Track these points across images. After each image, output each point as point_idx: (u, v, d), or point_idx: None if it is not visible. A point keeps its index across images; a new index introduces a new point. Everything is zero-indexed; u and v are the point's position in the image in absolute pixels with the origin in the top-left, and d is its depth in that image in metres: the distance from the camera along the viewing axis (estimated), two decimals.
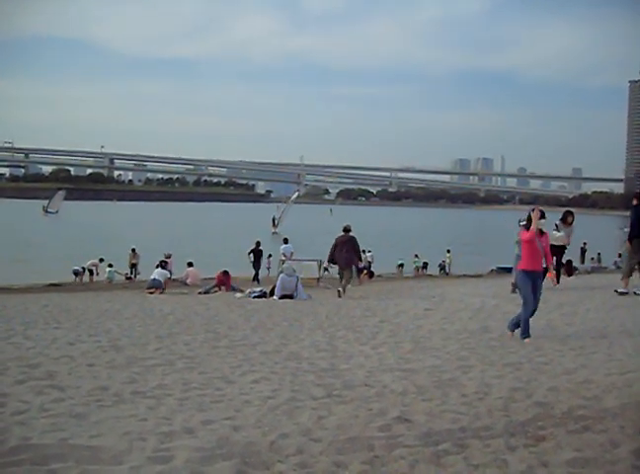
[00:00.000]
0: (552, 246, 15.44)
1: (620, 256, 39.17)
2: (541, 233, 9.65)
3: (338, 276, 18.68)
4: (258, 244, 27.69)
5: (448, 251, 37.06)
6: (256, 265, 26.81)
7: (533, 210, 9.56)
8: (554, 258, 15.62)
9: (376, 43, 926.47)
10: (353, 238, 18.06)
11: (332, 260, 18.46)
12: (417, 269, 35.90)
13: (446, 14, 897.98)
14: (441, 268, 35.98)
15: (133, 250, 30.76)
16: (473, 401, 5.91)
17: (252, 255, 27.20)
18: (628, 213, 16.25)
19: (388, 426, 5.11)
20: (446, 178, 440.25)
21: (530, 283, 9.40)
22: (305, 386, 6.53)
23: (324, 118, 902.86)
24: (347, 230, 18.29)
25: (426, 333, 9.93)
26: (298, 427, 5.13)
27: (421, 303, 13.87)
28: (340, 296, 16.92)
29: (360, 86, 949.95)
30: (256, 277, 26.06)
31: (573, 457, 4.40)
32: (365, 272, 25.10)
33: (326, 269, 32.28)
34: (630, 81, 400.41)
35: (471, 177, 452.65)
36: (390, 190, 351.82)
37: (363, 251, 32.26)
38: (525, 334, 9.18)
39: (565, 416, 5.43)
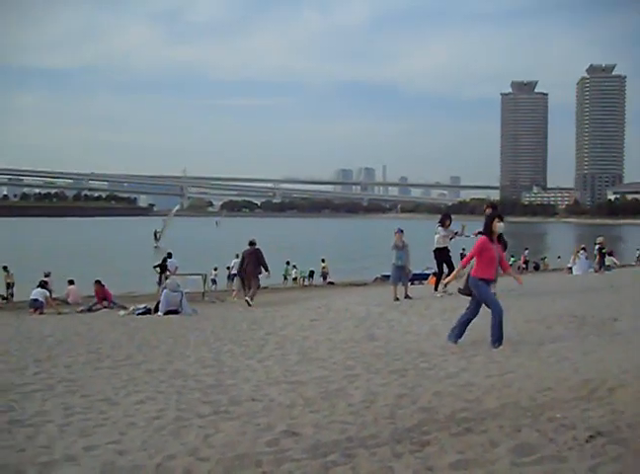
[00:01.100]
0: (437, 249, 15.99)
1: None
2: (499, 241, 9.56)
3: (244, 286, 19.92)
4: (164, 259, 27.14)
5: (323, 260, 37.35)
6: (163, 280, 26.16)
7: (492, 219, 9.39)
8: (441, 264, 16.17)
9: (260, 55, 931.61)
10: (258, 250, 19.43)
11: (240, 271, 20.08)
12: (302, 278, 36.10)
13: (329, 26, 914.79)
14: (322, 277, 36.29)
15: (5, 268, 29.27)
16: (360, 410, 5.97)
17: (159, 269, 26.57)
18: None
19: (276, 440, 5.09)
20: (330, 188, 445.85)
21: (487, 286, 9.27)
22: (191, 404, 6.43)
23: (207, 130, 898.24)
24: (252, 244, 19.57)
25: (312, 344, 9.98)
26: (185, 447, 5.04)
27: (307, 314, 13.94)
28: (250, 305, 17.81)
29: (244, 97, 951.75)
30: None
31: (456, 460, 4.52)
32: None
33: (214, 281, 32.04)
34: (502, 93, 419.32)
35: (354, 186, 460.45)
36: (274, 201, 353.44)
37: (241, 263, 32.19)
38: (499, 341, 8.94)
39: (448, 419, 5.57)
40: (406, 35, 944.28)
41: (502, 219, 9.49)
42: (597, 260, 28.33)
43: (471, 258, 9.37)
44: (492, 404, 6.01)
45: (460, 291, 9.94)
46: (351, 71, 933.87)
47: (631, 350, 8.29)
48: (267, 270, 19.63)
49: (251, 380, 7.50)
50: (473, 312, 9.31)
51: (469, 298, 9.67)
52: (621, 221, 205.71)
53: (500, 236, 15.15)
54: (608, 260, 28.98)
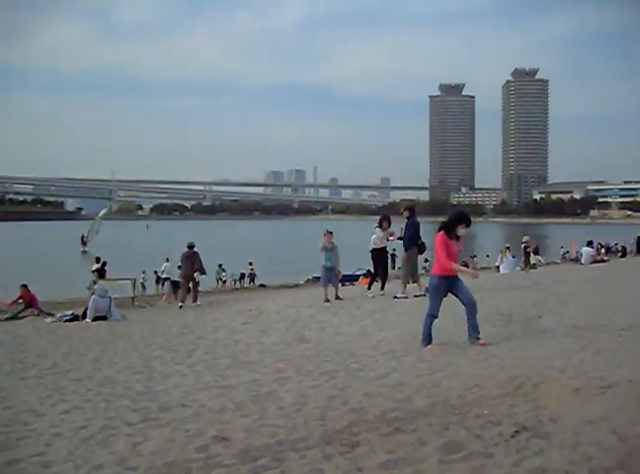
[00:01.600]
0: (374, 250, 16.10)
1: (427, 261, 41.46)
2: (457, 238, 9.29)
3: (180, 287, 20.85)
4: (104, 263, 26.53)
5: (250, 263, 37.19)
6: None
7: (461, 221, 9.16)
8: (378, 265, 16.31)
9: (193, 55, 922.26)
10: (195, 253, 20.13)
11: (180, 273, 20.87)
12: (233, 281, 35.87)
13: (263, 27, 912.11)
14: (251, 279, 36.12)
15: None
16: (291, 413, 5.97)
17: (96, 274, 25.88)
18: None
19: (206, 446, 5.05)
20: (261, 190, 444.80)
21: (444, 290, 9.13)
22: (120, 412, 6.32)
23: (137, 132, 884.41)
24: (191, 246, 20.27)
25: (243, 347, 9.94)
26: (113, 456, 4.95)
27: (238, 317, 13.87)
28: (198, 305, 19.06)
29: (175, 98, 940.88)
30: None
31: (385, 460, 4.56)
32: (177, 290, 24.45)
33: (143, 285, 31.53)
34: (430, 96, 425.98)
35: (285, 188, 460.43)
36: (205, 203, 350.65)
37: (178, 266, 31.81)
38: (428, 340, 9.04)
39: (378, 419, 5.62)
40: (339, 36, 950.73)
41: (469, 226, 9.26)
42: (522, 258, 29.02)
43: (444, 255, 8.98)
44: (421, 403, 6.09)
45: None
46: (283, 73, 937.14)
47: (555, 346, 8.52)
48: (203, 272, 20.32)
49: (181, 386, 7.42)
50: (465, 301, 9.13)
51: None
52: (546, 220, 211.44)
53: (420, 238, 15.43)
54: (534, 258, 29.70)
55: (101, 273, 25.83)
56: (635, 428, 4.96)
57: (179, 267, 20.79)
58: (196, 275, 19.76)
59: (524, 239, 29.68)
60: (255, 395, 6.73)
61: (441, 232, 9.12)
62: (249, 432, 5.41)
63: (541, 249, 45.22)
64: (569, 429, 5.06)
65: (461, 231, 9.15)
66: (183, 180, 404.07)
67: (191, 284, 20.06)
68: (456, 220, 9.22)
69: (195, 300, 19.71)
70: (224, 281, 35.49)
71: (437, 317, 9.08)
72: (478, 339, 8.94)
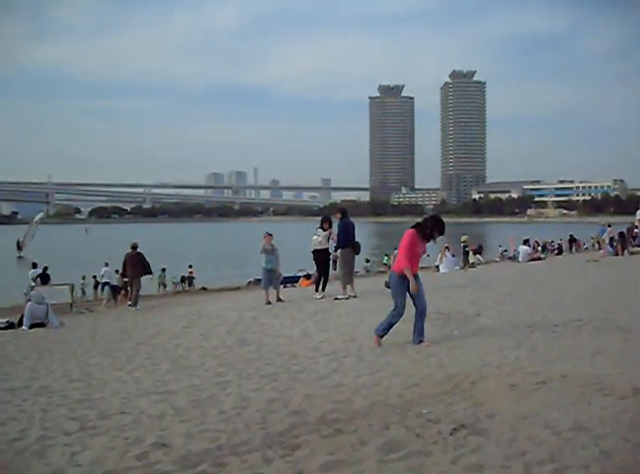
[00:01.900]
0: (316, 251, 16.14)
1: (368, 261, 41.84)
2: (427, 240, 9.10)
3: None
4: (45, 268, 25.88)
5: (190, 266, 36.89)
6: None
7: (440, 230, 8.99)
8: (321, 266, 16.36)
9: (129, 56, 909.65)
10: (139, 254, 20.12)
11: (123, 274, 20.76)
12: (174, 284, 35.51)
13: (200, 28, 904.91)
14: (189, 283, 35.81)
15: None
16: (231, 417, 5.95)
17: (39, 280, 25.35)
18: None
19: (145, 453, 5.00)
20: (202, 192, 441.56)
21: (406, 287, 8.91)
22: (57, 421, 6.19)
23: (73, 134, 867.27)
24: (134, 247, 20.19)
25: (183, 352, 9.84)
26: (49, 467, 4.86)
27: (179, 321, 13.74)
28: (137, 308, 19.16)
29: (113, 99, 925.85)
30: None
31: (325, 461, 4.59)
32: (124, 292, 24.12)
33: (82, 290, 30.98)
34: (370, 97, 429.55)
35: (226, 190, 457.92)
36: (145, 206, 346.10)
37: (117, 271, 31.34)
38: (380, 331, 9.02)
39: (319, 421, 5.64)
40: (277, 37, 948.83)
41: (442, 234, 9.14)
42: (462, 258, 29.48)
43: (406, 253, 8.85)
44: (362, 403, 6.14)
45: (387, 285, 9.63)
46: (222, 73, 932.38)
47: (492, 343, 8.68)
48: (150, 272, 20.66)
49: (120, 393, 7.31)
50: (418, 305, 8.98)
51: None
52: (485, 219, 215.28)
53: (354, 238, 15.55)
54: (473, 257, 30.17)
55: (43, 278, 25.38)
56: (568, 421, 5.10)
57: (117, 271, 20.67)
58: (149, 277, 20.30)
59: (463, 238, 30.15)
60: (195, 400, 6.68)
61: (413, 231, 8.93)
62: (189, 437, 5.37)
63: (483, 248, 45.94)
64: (505, 425, 5.17)
65: (436, 238, 9.09)
66: (122, 183, 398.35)
67: (133, 287, 19.99)
68: (436, 226, 9.02)
69: (134, 304, 19.53)
70: (165, 286, 35.10)
71: (401, 315, 8.93)
72: (421, 342, 8.95)
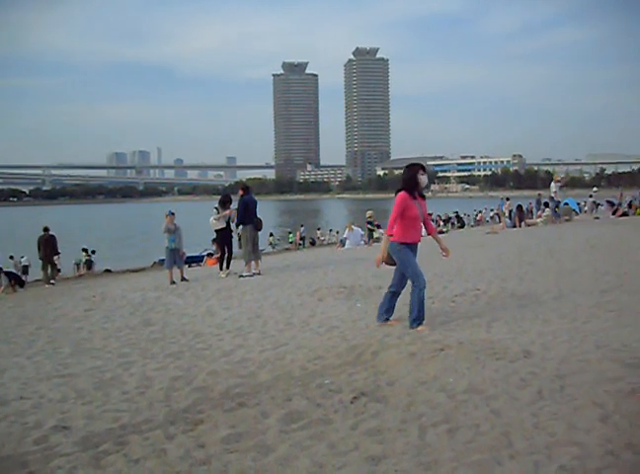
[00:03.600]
0: (218, 230, 16.07)
1: (272, 234, 41.94)
2: (422, 197, 8.19)
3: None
4: None
5: (84, 249, 35.59)
6: None
7: (416, 169, 8.09)
8: (223, 245, 16.30)
9: (28, 32, 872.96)
10: (52, 236, 21.22)
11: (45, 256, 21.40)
12: (77, 266, 34.45)
13: (101, 4, 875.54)
14: (88, 266, 34.82)
15: None
16: (134, 396, 5.91)
17: None
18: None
19: (45, 437, 4.91)
20: (104, 173, 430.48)
21: (414, 256, 8.01)
22: None
23: None
24: (46, 229, 21.22)
25: (86, 334, 9.65)
26: None
27: (81, 304, 13.43)
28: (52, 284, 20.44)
29: (9, 78, 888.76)
30: None
31: (227, 434, 4.64)
32: (13, 282, 23.10)
33: None
34: (274, 74, 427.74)
35: (129, 170, 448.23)
36: (44, 188, 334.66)
37: (11, 256, 30.28)
38: (419, 321, 7.88)
39: (223, 396, 5.68)
40: (182, 15, 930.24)
41: (425, 171, 8.19)
42: (367, 232, 29.90)
43: (395, 220, 7.86)
44: (265, 377, 6.21)
45: (385, 262, 8.46)
46: (124, 51, 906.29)
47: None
48: (57, 254, 22.09)
49: (19, 378, 7.12)
50: (399, 284, 8.19)
51: (392, 269, 8.31)
52: (390, 195, 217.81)
53: (255, 215, 15.57)
54: (377, 232, 30.61)
55: None
56: (463, 384, 5.32)
57: (11, 257, 20.91)
58: (56, 258, 21.45)
59: (368, 214, 30.55)
60: (98, 382, 6.59)
61: (402, 191, 7.95)
62: (91, 419, 5.31)
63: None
64: (404, 390, 5.35)
65: (422, 178, 8.03)
66: (19, 164, 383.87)
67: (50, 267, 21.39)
68: (412, 171, 8.09)
69: (52, 279, 21.39)
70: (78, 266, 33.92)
71: (424, 284, 7.90)
72: (387, 320, 8.33)
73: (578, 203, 42.24)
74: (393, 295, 8.30)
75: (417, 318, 7.87)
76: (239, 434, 4.64)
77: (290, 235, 44.34)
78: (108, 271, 32.53)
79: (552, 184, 30.30)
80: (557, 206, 30.47)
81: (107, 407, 5.64)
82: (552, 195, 29.65)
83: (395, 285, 8.25)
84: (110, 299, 13.54)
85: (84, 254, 34.63)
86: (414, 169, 8.10)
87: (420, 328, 7.78)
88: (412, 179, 8.00)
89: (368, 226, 29.76)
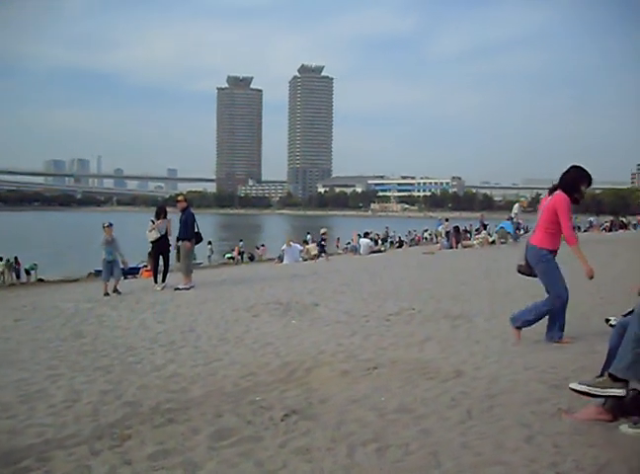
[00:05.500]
0: (154, 241, 15.91)
1: (210, 243, 41.67)
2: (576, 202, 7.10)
3: None
4: None
5: (16, 258, 34.66)
6: None
7: (588, 181, 7.00)
8: (158, 256, 16.12)
9: None
10: None
11: None
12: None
13: (47, 8, 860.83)
14: (16, 274, 33.93)
15: None
16: (61, 410, 5.77)
17: None
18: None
19: None
20: (41, 180, 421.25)
21: (557, 267, 7.27)
22: None
23: None
24: None
25: (14, 345, 9.38)
26: None
27: (10, 314, 13.08)
28: None
29: None
30: None
31: (155, 451, 4.55)
32: None
33: None
34: (218, 88, 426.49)
35: (67, 178, 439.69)
36: None
37: None
38: (561, 332, 7.35)
39: (152, 411, 5.59)
40: (128, 24, 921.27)
41: (590, 184, 7.07)
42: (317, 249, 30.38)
43: (570, 225, 7.07)
44: (197, 393, 6.15)
45: (520, 270, 7.73)
46: (67, 58, 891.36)
47: (328, 332, 8.94)
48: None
49: None
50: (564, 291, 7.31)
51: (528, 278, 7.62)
52: (330, 212, 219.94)
53: (194, 230, 15.69)
54: (314, 249, 30.86)
55: None
56: (394, 403, 5.36)
57: None
58: None
59: (322, 231, 31.01)
60: (23, 395, 6.41)
61: (564, 195, 6.97)
62: (13, 433, 5.15)
63: (340, 240, 46.85)
64: (335, 409, 5.35)
65: (584, 190, 7.06)
66: None
67: None
68: (580, 177, 7.04)
69: None
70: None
71: (565, 301, 7.26)
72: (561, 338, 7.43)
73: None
74: (547, 313, 7.42)
75: (561, 328, 7.33)
76: (167, 450, 4.57)
77: (228, 254, 43.84)
78: (41, 280, 31.86)
79: (515, 205, 31.58)
80: (518, 228, 31.76)
81: (31, 421, 5.49)
82: (512, 216, 30.66)
83: (565, 294, 7.31)
84: (41, 310, 13.24)
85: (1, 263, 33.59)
86: (584, 180, 7.04)
87: (566, 339, 7.34)
88: (577, 186, 7.04)
89: (322, 243, 30.61)
